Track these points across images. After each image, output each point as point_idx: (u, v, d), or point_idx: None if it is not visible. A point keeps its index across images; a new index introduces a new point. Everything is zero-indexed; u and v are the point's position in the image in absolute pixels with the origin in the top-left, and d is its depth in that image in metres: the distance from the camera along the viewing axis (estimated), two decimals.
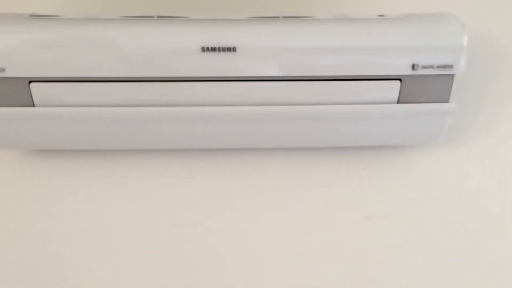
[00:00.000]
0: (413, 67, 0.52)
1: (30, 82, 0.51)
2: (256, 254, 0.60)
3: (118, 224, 0.60)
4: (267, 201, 0.62)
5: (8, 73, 0.50)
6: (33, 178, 0.62)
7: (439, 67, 0.53)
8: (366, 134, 0.58)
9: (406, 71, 0.52)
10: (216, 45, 0.51)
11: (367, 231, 0.61)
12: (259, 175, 0.62)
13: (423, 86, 0.53)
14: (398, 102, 0.54)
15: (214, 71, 0.51)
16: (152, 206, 0.61)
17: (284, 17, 0.54)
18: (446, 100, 0.54)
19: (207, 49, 0.51)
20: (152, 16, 0.53)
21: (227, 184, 0.62)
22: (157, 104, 0.53)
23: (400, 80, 0.53)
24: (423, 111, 0.55)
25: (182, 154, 0.62)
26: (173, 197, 0.61)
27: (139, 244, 0.60)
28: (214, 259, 0.60)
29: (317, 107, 0.54)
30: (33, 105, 0.52)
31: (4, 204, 0.61)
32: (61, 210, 0.60)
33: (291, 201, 0.62)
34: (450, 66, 0.53)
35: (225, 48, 0.51)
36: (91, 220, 0.60)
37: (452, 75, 0.53)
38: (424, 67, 0.52)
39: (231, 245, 0.60)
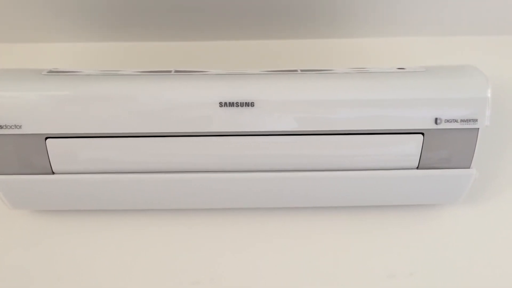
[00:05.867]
0: (436, 121, 0.51)
1: (46, 138, 0.50)
2: None
3: (137, 281, 0.58)
4: (288, 259, 0.59)
5: (24, 130, 0.49)
6: (51, 237, 0.60)
7: (462, 121, 0.51)
8: (386, 195, 0.56)
9: (428, 125, 0.51)
10: (234, 100, 0.50)
11: None
12: (280, 233, 0.60)
13: (447, 141, 0.52)
14: (421, 156, 0.53)
15: (232, 126, 0.51)
16: (170, 263, 0.59)
17: (302, 70, 0.54)
18: (470, 154, 0.53)
19: (225, 104, 0.50)
20: (170, 71, 0.53)
21: (246, 241, 0.60)
22: (173, 160, 0.52)
23: (422, 134, 0.52)
24: (445, 176, 0.53)
25: (199, 212, 0.61)
26: (191, 254, 0.59)
27: None
28: None
29: (339, 172, 0.53)
30: (49, 162, 0.51)
31: (20, 263, 0.59)
32: (77, 268, 0.59)
33: (313, 258, 0.59)
34: (475, 120, 0.51)
35: (243, 103, 0.50)
36: (109, 278, 0.58)
37: (477, 129, 0.52)
38: (448, 121, 0.51)
39: None
